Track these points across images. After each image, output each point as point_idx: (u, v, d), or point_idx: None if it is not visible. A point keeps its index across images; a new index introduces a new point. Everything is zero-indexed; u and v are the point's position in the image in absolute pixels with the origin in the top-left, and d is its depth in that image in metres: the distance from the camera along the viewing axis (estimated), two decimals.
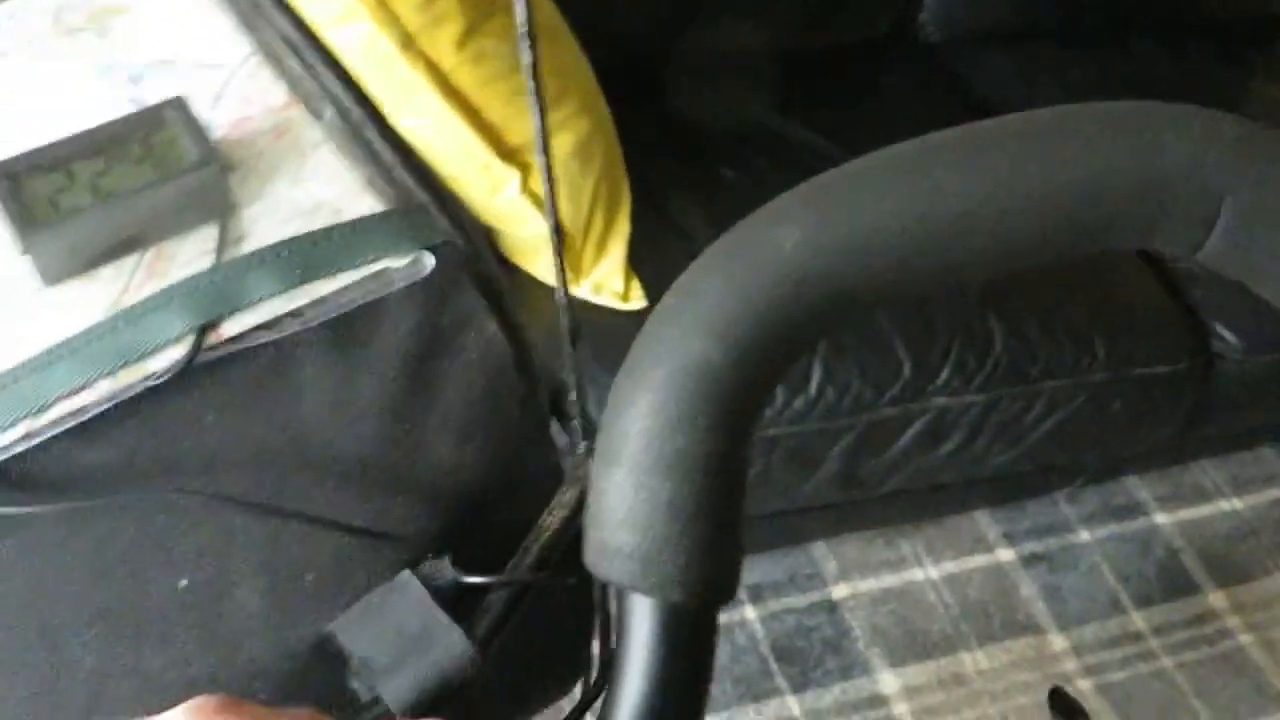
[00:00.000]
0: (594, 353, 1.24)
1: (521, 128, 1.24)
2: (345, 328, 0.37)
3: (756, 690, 1.70)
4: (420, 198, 0.39)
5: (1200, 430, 1.75)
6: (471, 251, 0.39)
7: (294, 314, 0.37)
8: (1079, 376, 1.52)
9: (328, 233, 0.37)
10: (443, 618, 0.35)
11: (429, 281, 0.38)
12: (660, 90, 1.67)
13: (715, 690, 1.88)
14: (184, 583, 0.36)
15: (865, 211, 0.33)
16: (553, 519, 0.38)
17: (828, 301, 0.33)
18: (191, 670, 0.36)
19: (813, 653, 1.75)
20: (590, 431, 0.39)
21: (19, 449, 0.34)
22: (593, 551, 0.33)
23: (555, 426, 0.42)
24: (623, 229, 1.39)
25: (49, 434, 0.34)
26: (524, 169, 1.25)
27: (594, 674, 0.41)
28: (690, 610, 0.33)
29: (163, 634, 0.36)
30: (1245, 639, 1.85)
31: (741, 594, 1.78)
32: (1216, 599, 1.89)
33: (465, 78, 1.19)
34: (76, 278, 0.36)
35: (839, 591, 1.82)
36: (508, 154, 1.25)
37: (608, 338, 0.94)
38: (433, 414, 0.38)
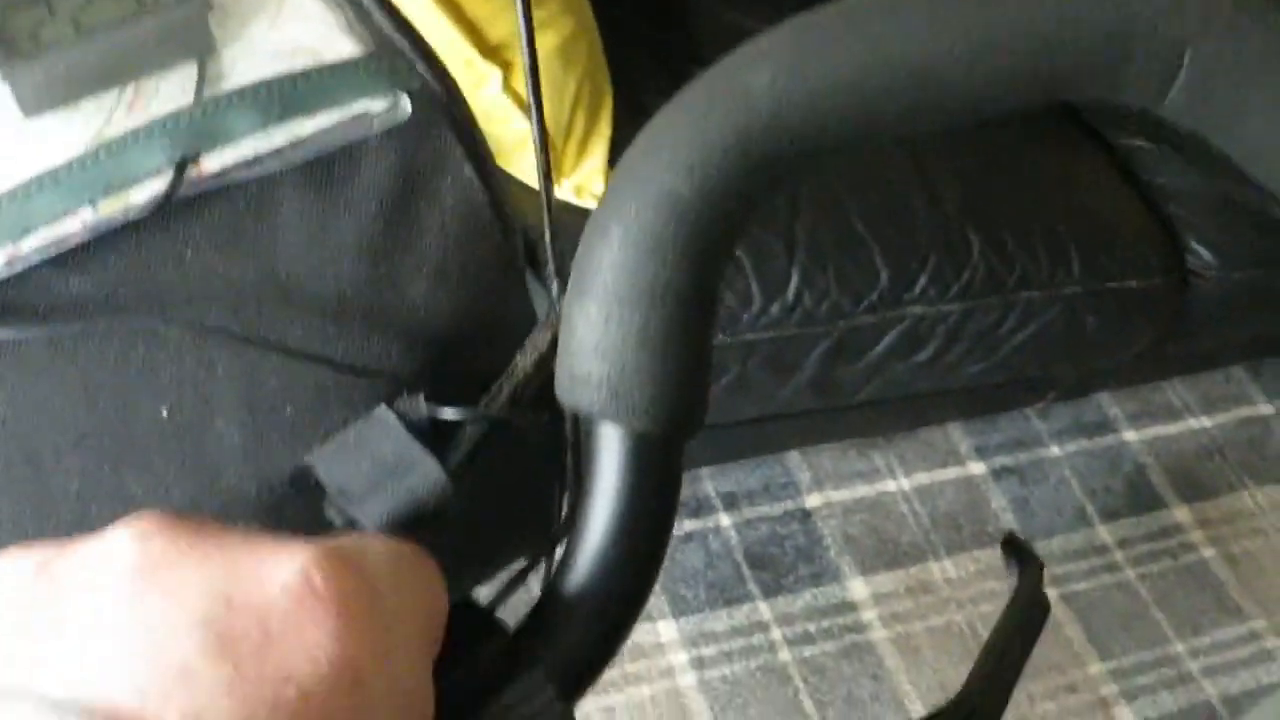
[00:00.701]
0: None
1: (504, 24, 1.24)
2: (323, 169, 0.38)
3: (729, 595, 1.73)
4: (398, 42, 0.39)
5: (1172, 346, 1.78)
6: (448, 97, 0.39)
7: (273, 153, 0.37)
8: (1054, 289, 1.54)
9: (306, 75, 0.38)
10: (417, 448, 0.36)
11: (407, 124, 0.38)
12: None
13: (688, 594, 1.92)
14: (165, 412, 0.37)
15: (834, 54, 0.33)
16: (525, 360, 0.39)
17: (795, 141, 0.33)
18: (172, 496, 0.37)
19: (785, 560, 1.78)
20: (563, 275, 0.40)
21: (1, 276, 0.35)
22: (563, 381, 0.34)
23: (530, 278, 0.43)
24: (605, 131, 1.39)
25: (31, 261, 0.35)
26: (506, 66, 1.25)
27: (563, 514, 0.42)
28: (657, 439, 0.34)
29: (144, 461, 0.37)
30: (1208, 553, 1.89)
31: (716, 501, 1.81)
32: (1181, 514, 1.93)
33: None
34: (57, 110, 0.37)
35: (812, 501, 1.85)
36: (489, 51, 1.24)
37: None
38: (409, 255, 0.39)
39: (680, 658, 1.65)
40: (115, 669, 0.22)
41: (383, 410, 0.37)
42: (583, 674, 0.34)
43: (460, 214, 0.39)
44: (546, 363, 0.39)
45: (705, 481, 1.82)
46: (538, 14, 1.28)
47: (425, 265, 0.39)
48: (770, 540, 1.80)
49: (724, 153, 0.33)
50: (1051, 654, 1.74)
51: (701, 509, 1.80)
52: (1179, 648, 1.78)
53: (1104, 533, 1.89)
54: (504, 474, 0.40)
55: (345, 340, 0.38)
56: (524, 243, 0.42)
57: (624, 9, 1.53)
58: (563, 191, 1.35)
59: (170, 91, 0.38)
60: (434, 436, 0.38)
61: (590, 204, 1.36)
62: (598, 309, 0.33)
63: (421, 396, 0.38)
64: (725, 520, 1.81)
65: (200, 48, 0.38)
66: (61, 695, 0.21)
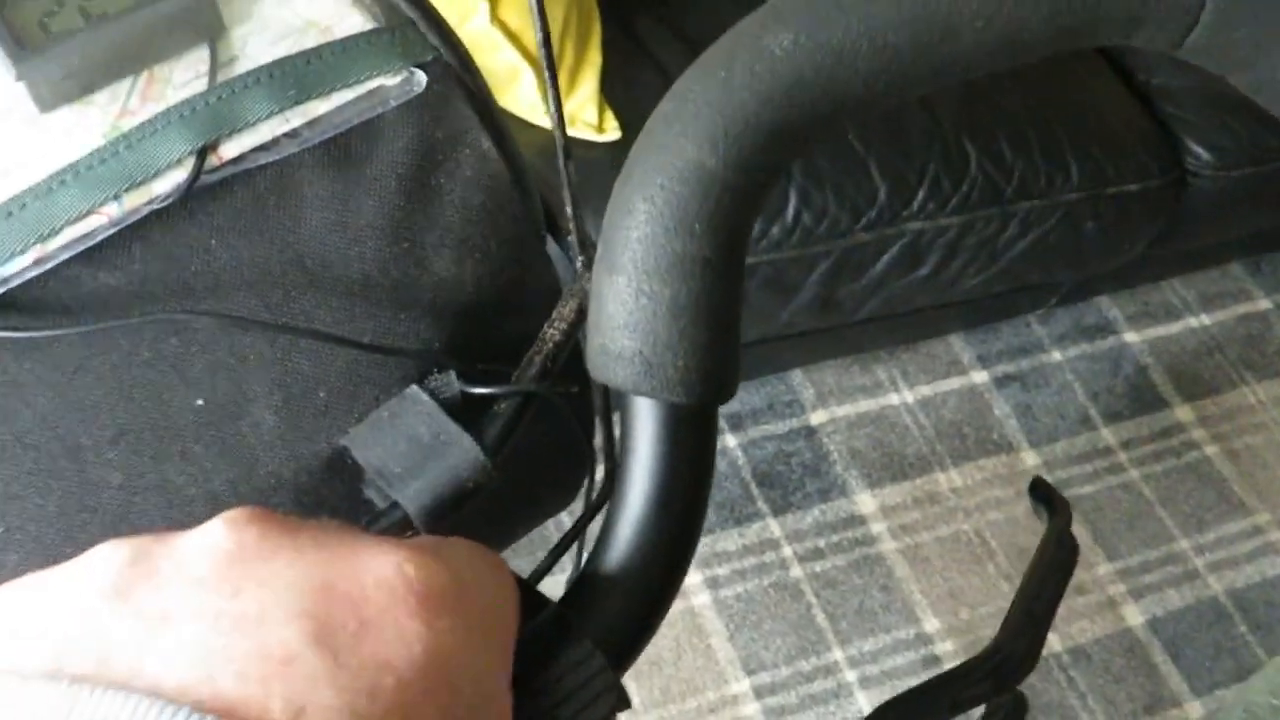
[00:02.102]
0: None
1: None
2: (342, 147, 0.38)
3: (739, 514, 1.75)
4: (408, 13, 0.39)
5: (1171, 246, 1.78)
6: (461, 67, 0.39)
7: (291, 135, 0.37)
8: (1053, 196, 1.53)
9: (319, 52, 0.37)
10: (453, 427, 0.37)
11: (422, 98, 0.38)
12: None
13: None
14: (200, 402, 0.37)
15: (855, 13, 0.33)
16: (553, 331, 0.39)
17: (821, 105, 0.33)
18: (213, 484, 0.37)
19: (792, 477, 1.80)
20: (587, 246, 0.40)
21: (31, 274, 0.35)
22: (595, 358, 0.34)
23: (550, 245, 0.43)
24: (594, 59, 1.37)
25: (59, 259, 0.35)
26: None
27: (599, 482, 0.42)
28: (691, 409, 0.34)
29: (183, 451, 0.37)
30: (1210, 450, 1.91)
31: (722, 422, 1.82)
32: (1183, 413, 1.94)
33: None
34: (72, 104, 0.36)
35: (817, 417, 1.86)
36: None
37: (584, 169, 0.94)
38: (432, 230, 0.39)
39: (694, 578, 1.68)
40: (219, 659, 0.22)
41: (414, 390, 0.38)
42: (628, 646, 0.34)
43: (480, 185, 0.39)
44: (574, 331, 0.39)
45: None
46: None
47: (448, 239, 0.39)
48: (777, 458, 1.81)
49: (747, 122, 0.33)
50: None
51: None
52: (1184, 545, 1.80)
53: (1107, 435, 1.90)
54: (539, 441, 0.41)
55: (373, 319, 0.38)
56: (544, 210, 0.41)
57: None
58: None
59: (184, 76, 0.37)
60: (468, 411, 0.38)
61: (583, 134, 1.35)
62: (627, 285, 0.33)
63: (453, 373, 0.38)
64: (731, 441, 1.82)
65: (210, 29, 0.38)
66: (171, 688, 0.22)
